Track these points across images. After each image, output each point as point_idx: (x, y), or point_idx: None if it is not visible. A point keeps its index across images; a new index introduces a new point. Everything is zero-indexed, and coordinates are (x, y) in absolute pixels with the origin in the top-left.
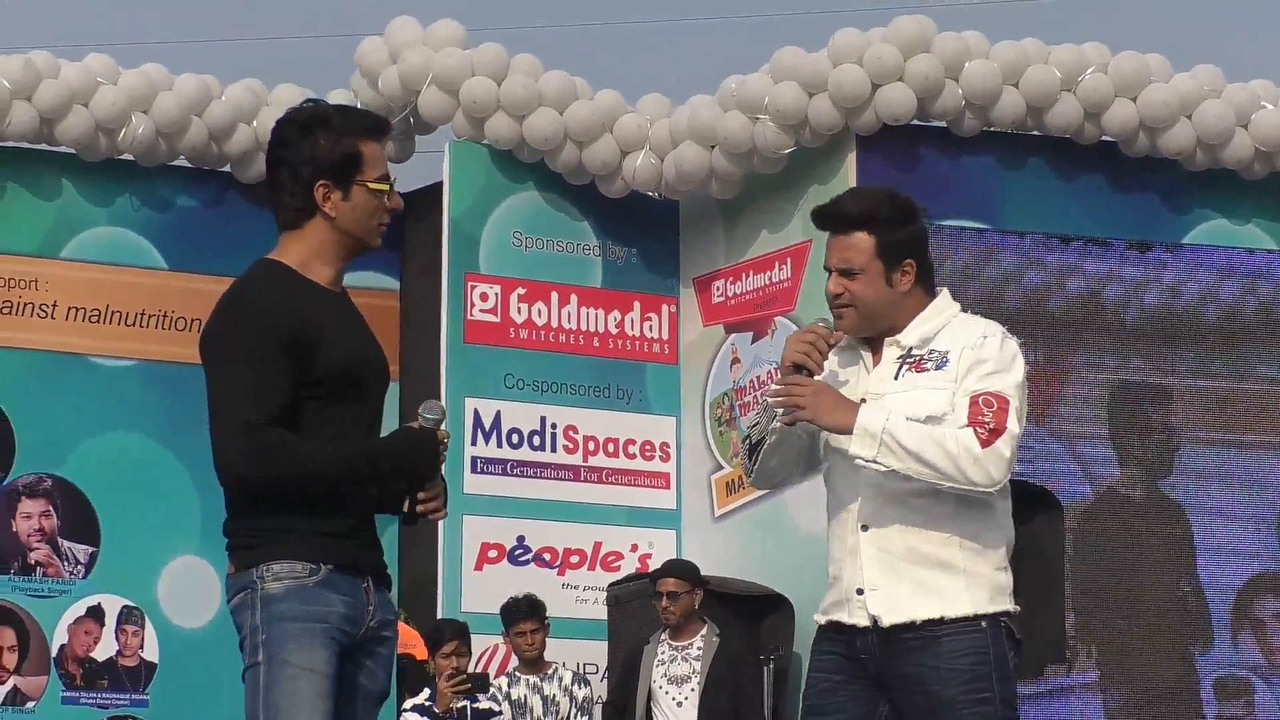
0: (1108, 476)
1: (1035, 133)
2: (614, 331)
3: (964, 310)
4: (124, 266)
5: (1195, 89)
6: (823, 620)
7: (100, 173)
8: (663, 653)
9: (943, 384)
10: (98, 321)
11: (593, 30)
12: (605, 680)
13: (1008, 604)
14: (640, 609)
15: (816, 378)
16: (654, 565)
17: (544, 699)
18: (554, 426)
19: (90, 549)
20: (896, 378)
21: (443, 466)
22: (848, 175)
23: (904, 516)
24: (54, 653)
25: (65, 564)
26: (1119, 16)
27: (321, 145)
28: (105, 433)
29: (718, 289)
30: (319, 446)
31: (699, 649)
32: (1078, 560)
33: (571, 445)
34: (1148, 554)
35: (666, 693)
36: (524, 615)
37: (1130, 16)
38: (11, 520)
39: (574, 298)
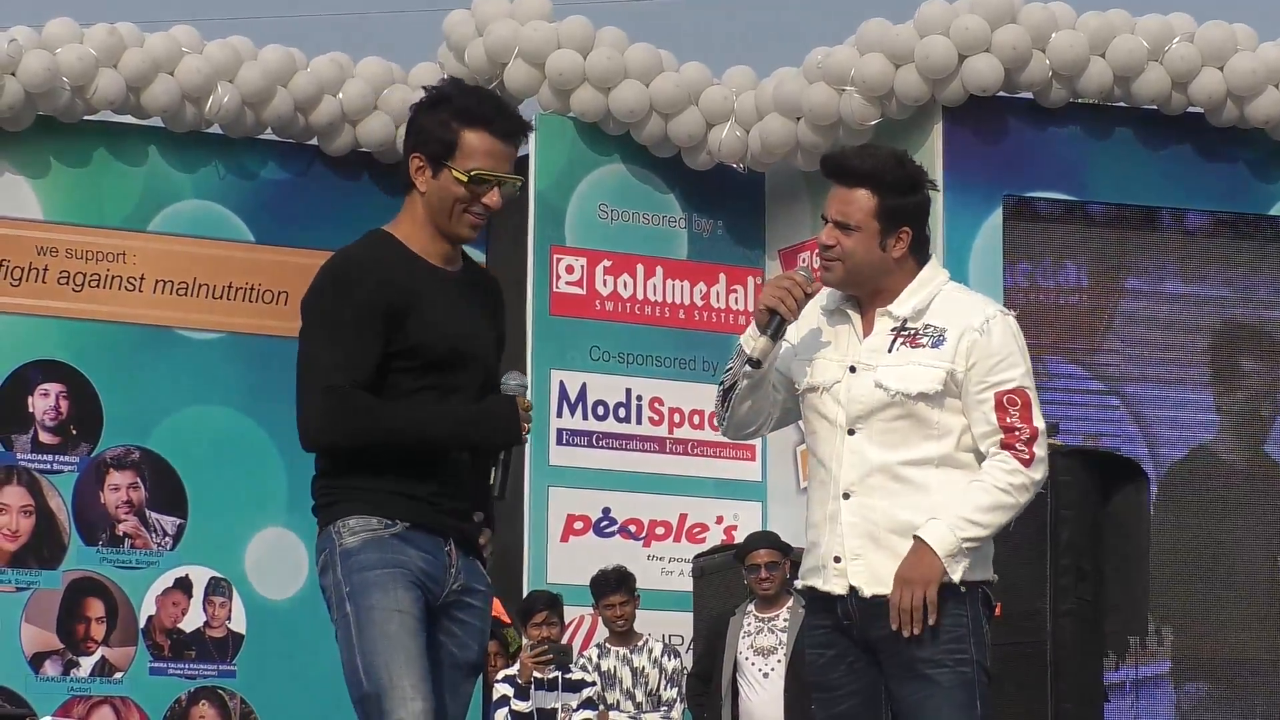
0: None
1: (1122, 103)
2: (699, 304)
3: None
4: (211, 240)
5: None
6: (800, 585)
7: (187, 147)
8: (749, 624)
9: (936, 362)
10: (185, 294)
11: (678, 3)
12: (690, 651)
13: (987, 573)
14: (726, 581)
15: (789, 327)
16: (739, 537)
17: (633, 670)
18: (639, 398)
19: (178, 521)
20: (890, 350)
21: (527, 436)
22: (934, 146)
23: (886, 485)
24: (142, 624)
25: (153, 536)
26: None
27: (431, 121)
28: (193, 405)
29: (803, 260)
30: (398, 409)
31: (785, 620)
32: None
33: (657, 417)
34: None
35: (753, 664)
36: (613, 588)
37: None
38: (100, 492)
39: (659, 270)
